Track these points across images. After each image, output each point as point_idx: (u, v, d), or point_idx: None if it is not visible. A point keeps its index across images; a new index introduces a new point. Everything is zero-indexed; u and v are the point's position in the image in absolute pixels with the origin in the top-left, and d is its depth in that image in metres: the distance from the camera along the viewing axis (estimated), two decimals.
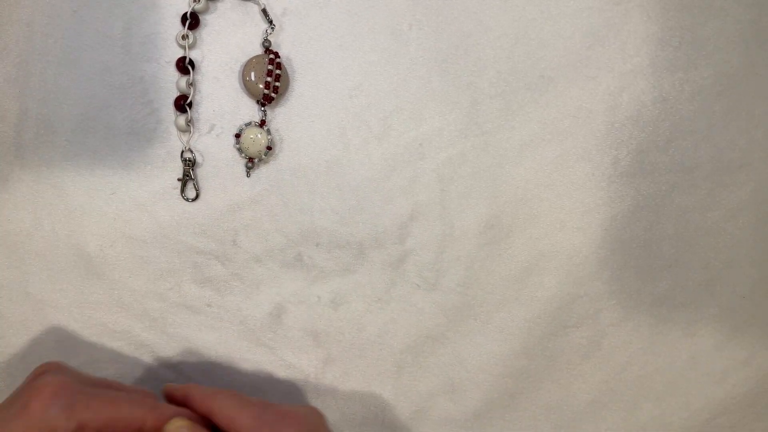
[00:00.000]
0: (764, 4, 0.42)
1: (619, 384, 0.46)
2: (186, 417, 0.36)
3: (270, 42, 0.40)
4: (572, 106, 0.42)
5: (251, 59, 0.40)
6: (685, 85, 0.42)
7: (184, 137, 0.41)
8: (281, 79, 0.40)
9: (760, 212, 0.44)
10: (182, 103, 0.40)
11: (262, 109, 0.41)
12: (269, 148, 0.41)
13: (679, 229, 0.44)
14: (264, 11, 0.40)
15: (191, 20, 0.39)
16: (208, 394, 0.36)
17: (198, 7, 0.39)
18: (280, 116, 0.42)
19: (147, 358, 0.45)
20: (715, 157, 0.43)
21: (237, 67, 0.41)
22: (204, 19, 0.40)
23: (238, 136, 0.41)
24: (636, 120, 0.43)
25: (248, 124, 0.41)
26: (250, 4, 0.40)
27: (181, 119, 0.40)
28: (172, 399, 0.38)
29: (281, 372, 0.45)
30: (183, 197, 0.42)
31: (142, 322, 0.44)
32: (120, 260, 0.42)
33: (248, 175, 0.42)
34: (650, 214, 0.44)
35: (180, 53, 0.40)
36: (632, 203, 0.43)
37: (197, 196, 0.42)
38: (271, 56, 0.40)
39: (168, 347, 0.44)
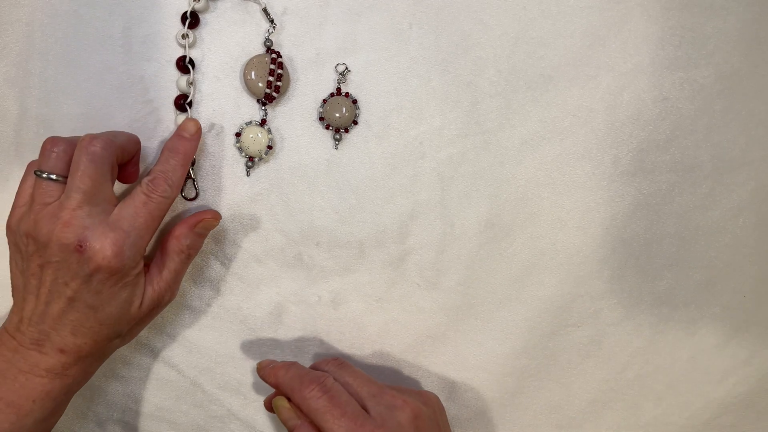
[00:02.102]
0: (765, 3, 0.42)
1: (619, 383, 0.46)
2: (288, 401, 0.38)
3: (272, 41, 0.40)
4: (572, 105, 0.42)
5: (252, 58, 0.40)
6: (686, 84, 0.42)
7: None
8: (283, 78, 0.40)
9: (761, 211, 0.44)
10: (182, 103, 0.40)
11: (263, 108, 0.41)
12: (270, 147, 0.41)
13: (679, 228, 0.44)
14: (265, 10, 0.40)
15: (191, 19, 0.39)
16: (297, 391, 0.37)
17: (198, 6, 0.39)
18: (280, 115, 0.42)
19: (147, 357, 0.44)
20: (716, 156, 0.43)
21: (237, 66, 0.41)
22: (204, 18, 0.40)
23: (238, 135, 0.41)
24: (636, 119, 0.42)
25: (249, 123, 0.41)
26: (251, 3, 0.40)
27: (182, 118, 0.40)
28: (266, 379, 0.40)
29: None
30: (182, 196, 0.42)
31: None
32: None
33: (248, 174, 0.42)
34: (651, 213, 0.44)
35: (180, 52, 0.40)
36: (633, 202, 0.43)
37: (197, 196, 0.42)
38: (273, 56, 0.40)
39: (168, 347, 0.44)
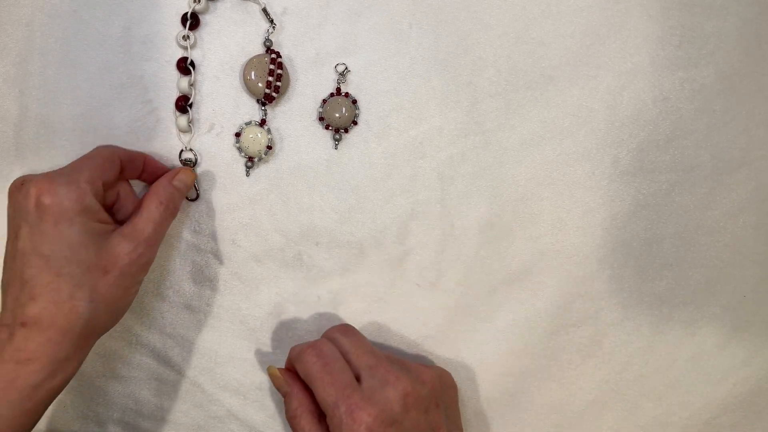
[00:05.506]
0: (765, 2, 0.42)
1: (619, 383, 0.46)
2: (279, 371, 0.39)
3: (271, 41, 0.40)
4: (572, 105, 0.42)
5: (252, 58, 0.40)
6: (686, 84, 0.42)
7: (185, 137, 0.41)
8: (282, 78, 0.40)
9: (761, 211, 0.44)
10: (183, 104, 0.40)
11: (263, 108, 0.41)
12: (269, 147, 0.41)
13: (679, 228, 0.44)
14: (264, 10, 0.40)
15: (192, 21, 0.39)
16: (296, 356, 0.37)
17: (198, 7, 0.39)
18: (280, 115, 0.42)
19: (147, 358, 0.45)
20: (716, 156, 0.43)
21: (237, 67, 0.41)
22: (204, 18, 0.40)
23: (238, 135, 0.41)
24: (636, 119, 0.42)
25: (248, 124, 0.41)
26: (250, 3, 0.40)
27: (183, 120, 0.40)
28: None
29: None
30: None
31: (142, 322, 0.44)
32: None
33: (248, 174, 0.42)
34: (651, 213, 0.44)
35: (179, 52, 0.40)
36: (632, 202, 0.43)
37: (197, 197, 0.42)
38: (273, 56, 0.40)
39: (168, 347, 0.44)
